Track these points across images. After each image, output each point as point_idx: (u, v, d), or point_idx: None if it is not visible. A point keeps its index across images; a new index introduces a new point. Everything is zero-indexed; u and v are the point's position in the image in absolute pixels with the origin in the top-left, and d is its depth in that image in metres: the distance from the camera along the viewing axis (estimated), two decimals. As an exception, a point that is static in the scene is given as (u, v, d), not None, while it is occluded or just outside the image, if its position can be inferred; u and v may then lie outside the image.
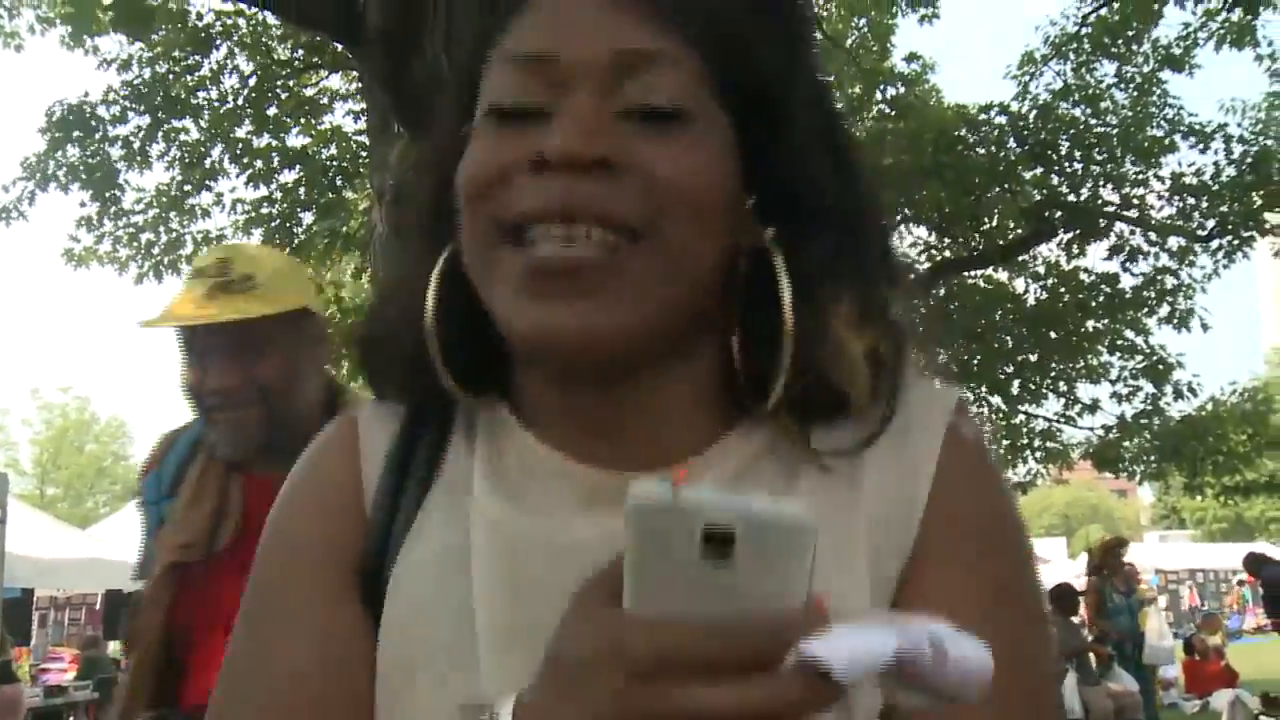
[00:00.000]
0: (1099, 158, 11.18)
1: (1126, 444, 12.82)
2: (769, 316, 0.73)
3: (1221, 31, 11.21)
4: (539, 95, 0.72)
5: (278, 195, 10.46)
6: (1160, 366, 12.54)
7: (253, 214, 10.56)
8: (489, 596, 0.74)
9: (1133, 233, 11.55)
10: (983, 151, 10.29)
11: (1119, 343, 12.47)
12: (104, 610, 16.18)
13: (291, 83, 10.35)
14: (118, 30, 4.43)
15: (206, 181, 10.47)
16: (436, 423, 0.83)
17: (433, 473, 0.81)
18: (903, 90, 12.07)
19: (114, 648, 15.69)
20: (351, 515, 0.81)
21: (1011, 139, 10.67)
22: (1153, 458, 13.11)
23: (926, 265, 11.27)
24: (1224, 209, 11.28)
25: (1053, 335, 11.34)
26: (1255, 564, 12.80)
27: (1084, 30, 11.62)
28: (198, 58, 9.98)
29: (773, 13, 0.78)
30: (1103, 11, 11.37)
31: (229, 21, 9.84)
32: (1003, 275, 12.32)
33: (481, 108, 0.76)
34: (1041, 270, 12.10)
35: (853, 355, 0.74)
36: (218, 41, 9.93)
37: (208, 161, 10.38)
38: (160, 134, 10.26)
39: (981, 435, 0.82)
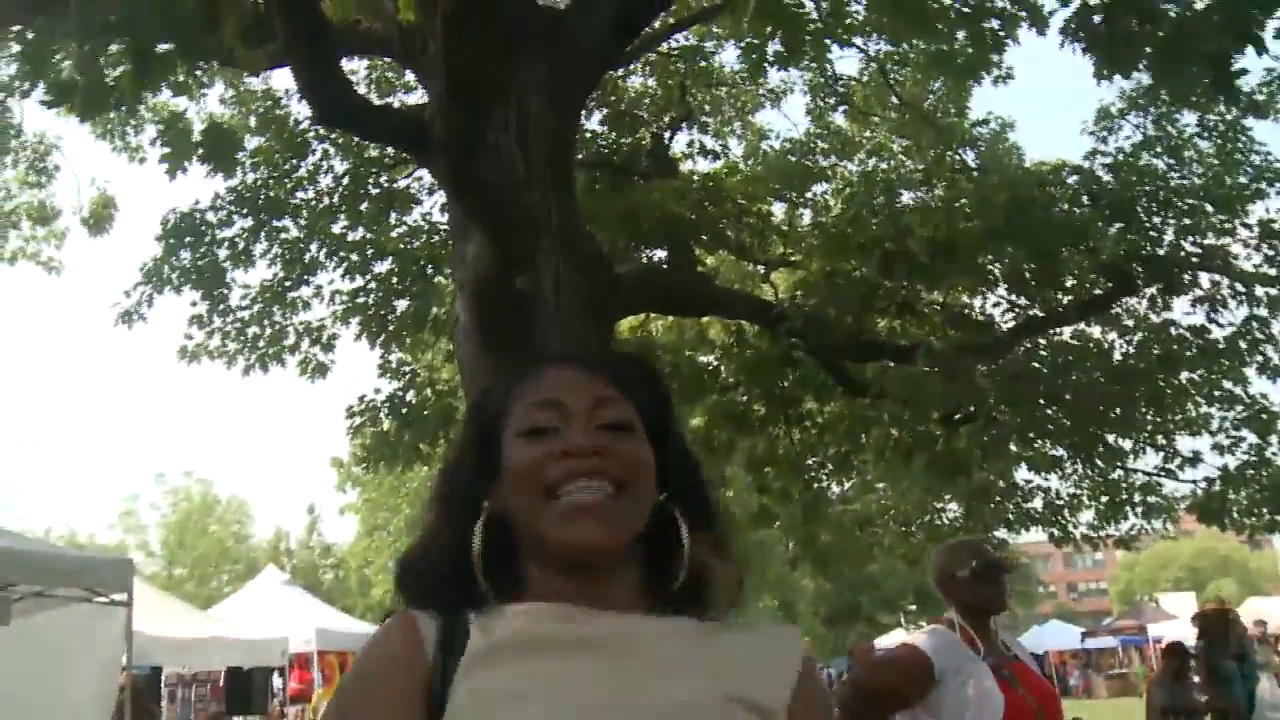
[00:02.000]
0: (1181, 209, 11.07)
1: (1232, 495, 12.45)
2: (668, 542, 1.39)
3: (1304, 75, 11.07)
4: (552, 421, 1.36)
5: (372, 285, 10.98)
6: (1264, 416, 12.21)
7: (350, 304, 11.08)
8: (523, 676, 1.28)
9: (1217, 283, 11.35)
10: (1057, 210, 10.27)
11: (1216, 393, 12.19)
12: (226, 686, 16.72)
13: (383, 178, 10.90)
14: (205, 164, 4.87)
15: (305, 276, 11.06)
16: (459, 617, 1.35)
17: (463, 644, 1.31)
18: (978, 151, 12.14)
19: (236, 722, 16.21)
20: (422, 668, 1.29)
21: (1085, 196, 10.63)
22: (1264, 509, 12.70)
23: (1010, 324, 11.24)
24: (1318, 256, 11.06)
25: (1143, 388, 11.13)
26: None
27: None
28: (295, 160, 10.60)
29: (654, 383, 1.51)
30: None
31: (325, 127, 10.40)
32: (1094, 330, 12.19)
33: (516, 430, 1.38)
34: (1131, 324, 11.94)
35: (714, 568, 1.40)
36: (313, 145, 10.55)
37: (307, 257, 10.97)
38: (263, 234, 10.89)
39: (814, 660, 1.44)
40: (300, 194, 10.85)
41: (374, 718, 1.26)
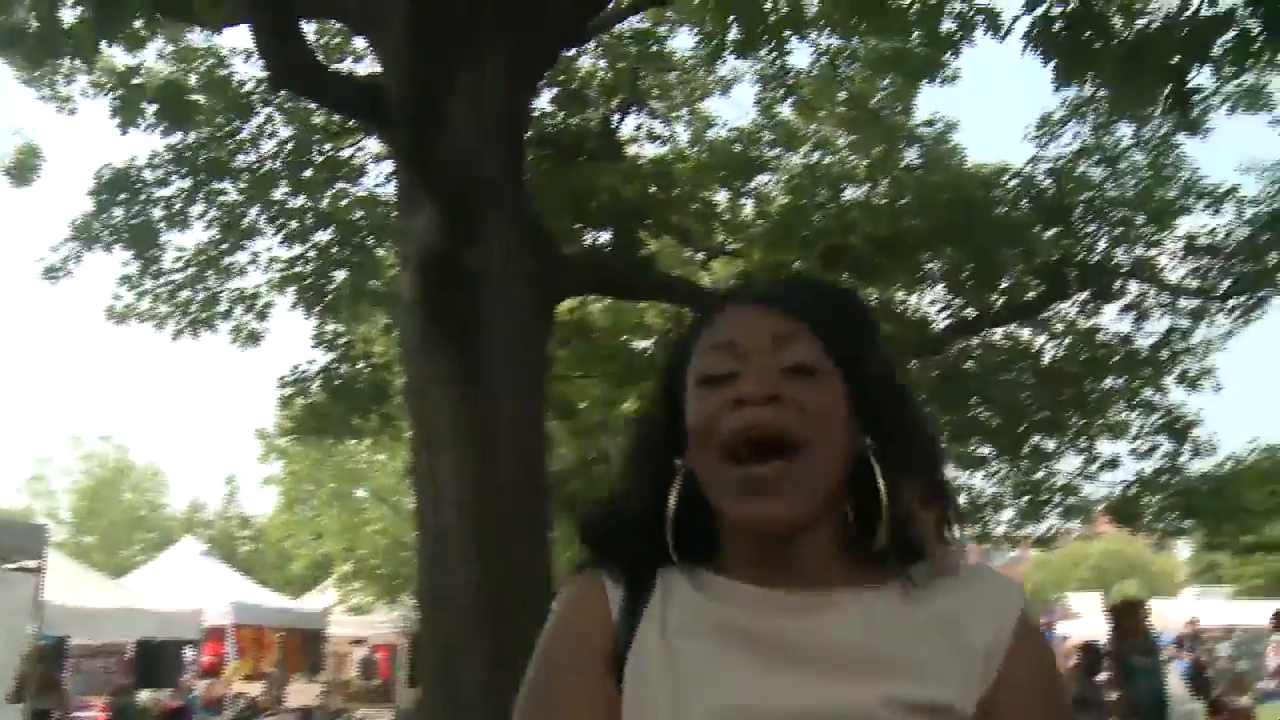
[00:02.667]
0: (1114, 218, 11.34)
1: (1146, 500, 12.82)
2: (869, 498, 1.22)
3: (1235, 96, 11.37)
4: (728, 365, 1.23)
5: (311, 254, 10.80)
6: (1179, 424, 12.57)
7: (287, 272, 10.90)
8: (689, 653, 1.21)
9: (1144, 293, 11.67)
10: (998, 213, 10.46)
11: (1136, 400, 12.54)
12: (136, 658, 16.38)
13: (328, 146, 10.71)
14: (161, 122, 4.73)
15: (243, 241, 10.84)
16: (645, 579, 1.29)
17: (645, 606, 1.26)
18: (923, 151, 12.27)
19: (145, 696, 15.87)
20: (608, 629, 1.25)
21: (1025, 200, 10.84)
22: (1173, 515, 13.10)
23: (945, 323, 11.43)
24: (1239, 269, 11.39)
25: (1069, 392, 11.42)
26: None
27: (1100, 93, 11.81)
28: (238, 122, 10.37)
29: (856, 316, 1.32)
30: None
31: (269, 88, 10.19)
32: (1024, 333, 12.44)
33: (695, 378, 1.26)
34: (1060, 329, 12.21)
35: (924, 519, 1.25)
36: (257, 108, 10.33)
37: (245, 222, 10.75)
38: (201, 195, 10.64)
39: (1039, 623, 1.34)
40: (242, 157, 10.61)
41: (579, 684, 1.25)
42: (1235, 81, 11.46)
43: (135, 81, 4.34)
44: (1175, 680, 10.96)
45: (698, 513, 1.26)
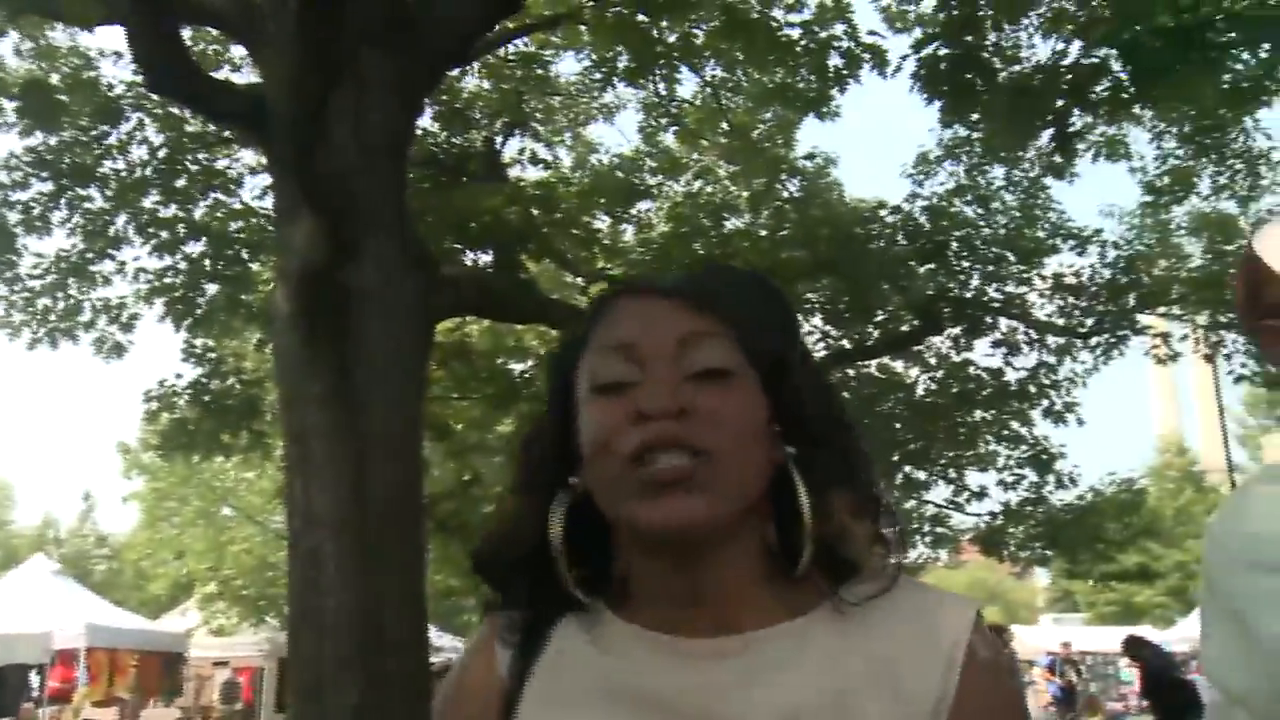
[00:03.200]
0: (987, 256, 11.70)
1: (1011, 530, 13.22)
2: (794, 512, 1.06)
3: (1099, 144, 11.87)
4: (628, 372, 1.06)
5: (182, 266, 10.44)
6: (1044, 457, 13.01)
7: (156, 283, 10.51)
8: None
9: (1014, 329, 12.08)
10: (875, 247, 10.70)
11: (1004, 433, 12.94)
12: (-26, 684, 15.54)
13: (202, 155, 10.38)
14: (25, 120, 4.48)
15: (109, 250, 10.42)
16: (543, 626, 1.15)
17: (541, 649, 1.14)
18: (803, 184, 12.51)
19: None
20: (495, 695, 1.13)
21: (902, 235, 11.12)
22: (1037, 544, 13.52)
23: (822, 353, 11.61)
24: (1101, 308, 11.87)
25: (941, 424, 11.73)
26: (1134, 647, 13.17)
27: (974, 134, 12.20)
28: (106, 127, 9.98)
29: (771, 308, 1.16)
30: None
31: (140, 93, 9.86)
32: (898, 365, 12.74)
33: (587, 386, 1.09)
34: (933, 361, 12.54)
35: (856, 534, 1.09)
36: (127, 113, 9.96)
37: (111, 230, 10.34)
38: (63, 201, 10.20)
39: (996, 642, 1.14)
40: (109, 163, 10.21)
41: None
42: (1098, 131, 12.01)
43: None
44: (1035, 701, 11.31)
45: (599, 540, 1.13)
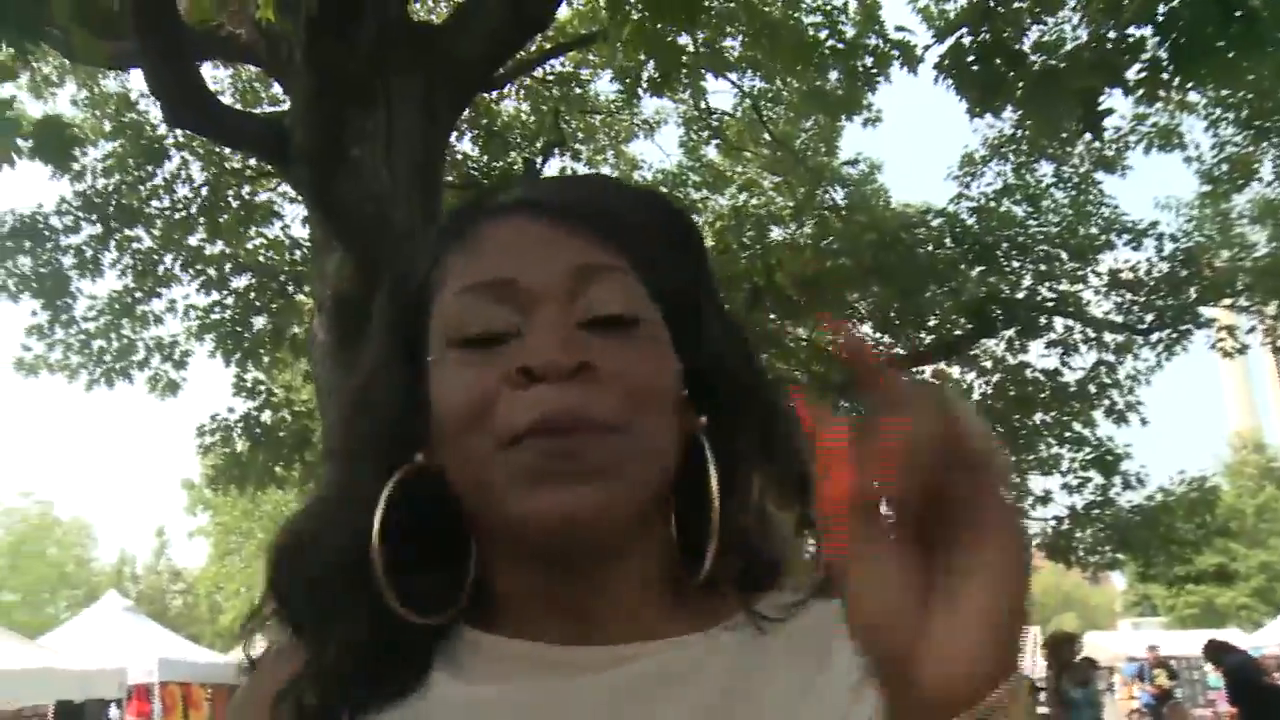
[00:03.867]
0: (1038, 255, 11.47)
1: (1079, 534, 12.89)
2: (701, 499, 0.82)
3: (1150, 135, 11.59)
4: (503, 319, 0.80)
5: (229, 301, 10.55)
6: (1109, 457, 12.68)
7: (204, 319, 10.63)
8: None
9: (1070, 328, 11.80)
10: (922, 251, 10.53)
11: (1066, 435, 12.64)
12: (55, 720, 15.79)
13: (244, 190, 10.50)
14: (38, 159, 4.53)
15: (158, 288, 10.57)
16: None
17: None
18: (847, 191, 12.36)
19: (63, 759, 15.26)
20: None
21: (949, 238, 10.93)
22: (1105, 548, 13.18)
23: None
24: (1160, 303, 11.56)
25: (999, 428, 11.48)
26: (1216, 653, 12.77)
27: (1021, 132, 11.98)
28: (150, 168, 10.13)
29: (679, 235, 0.90)
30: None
31: (182, 133, 10.00)
32: (953, 370, 12.51)
33: (443, 339, 0.82)
34: (988, 365, 12.30)
35: (783, 527, 0.85)
36: (170, 152, 10.10)
37: (160, 269, 10.49)
38: (113, 242, 10.37)
39: None
40: (155, 203, 10.37)
41: None
42: (1150, 121, 11.73)
43: (6, 114, 4.12)
44: (1115, 711, 10.98)
45: (444, 542, 0.84)
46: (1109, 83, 4.29)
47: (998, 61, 4.39)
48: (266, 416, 10.83)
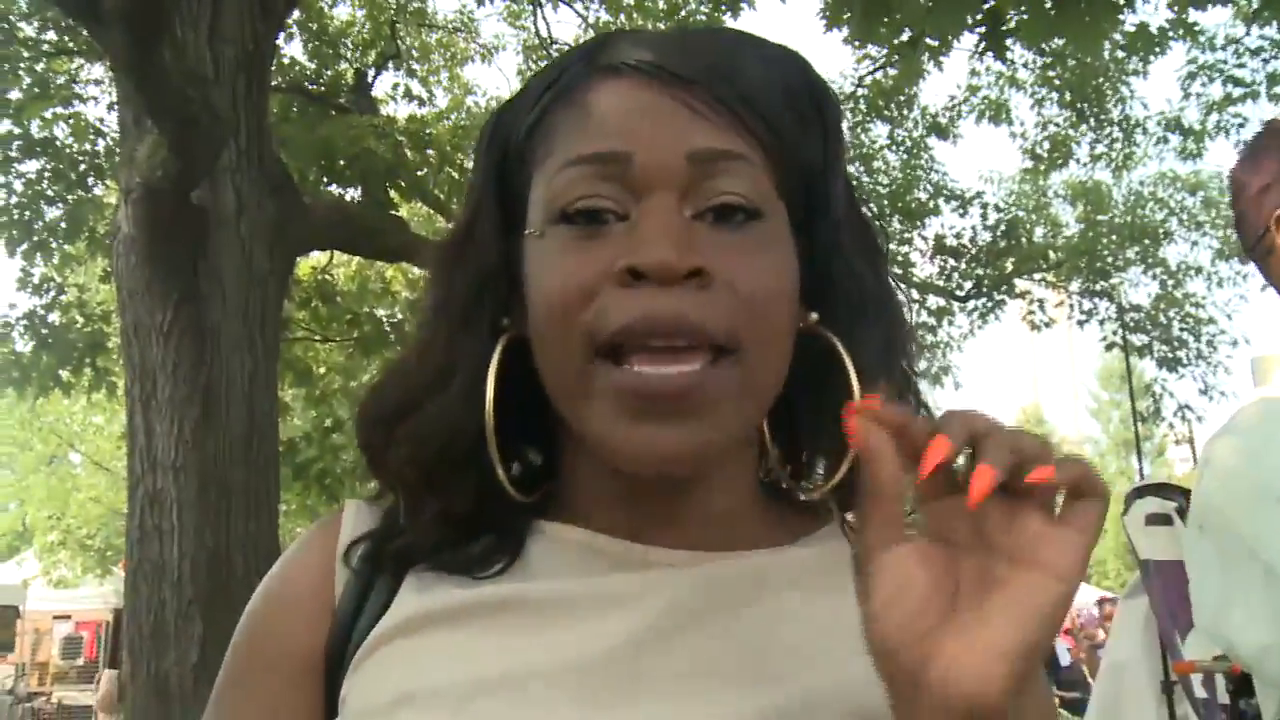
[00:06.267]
0: (869, 214, 11.67)
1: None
2: (818, 405, 0.77)
3: (981, 107, 11.90)
4: (612, 198, 0.72)
5: (18, 187, 9.58)
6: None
7: (-13, 204, 9.64)
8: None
9: (898, 288, 12.11)
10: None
11: (880, 394, 13.02)
12: None
13: (39, 65, 9.52)
14: None
15: (-69, 165, 9.51)
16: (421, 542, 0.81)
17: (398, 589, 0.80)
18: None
19: None
20: (317, 619, 0.81)
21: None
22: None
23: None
24: (980, 272, 11.95)
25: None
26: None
27: (860, 91, 12.11)
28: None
29: (813, 109, 0.79)
30: (878, 75, 11.87)
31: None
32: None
33: (544, 213, 0.75)
34: (812, 319, 12.52)
35: None
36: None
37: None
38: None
39: None
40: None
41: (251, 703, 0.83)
42: (981, 94, 12.07)
43: None
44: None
45: (524, 417, 0.80)
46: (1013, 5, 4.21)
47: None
48: (55, 317, 9.99)
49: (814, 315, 0.77)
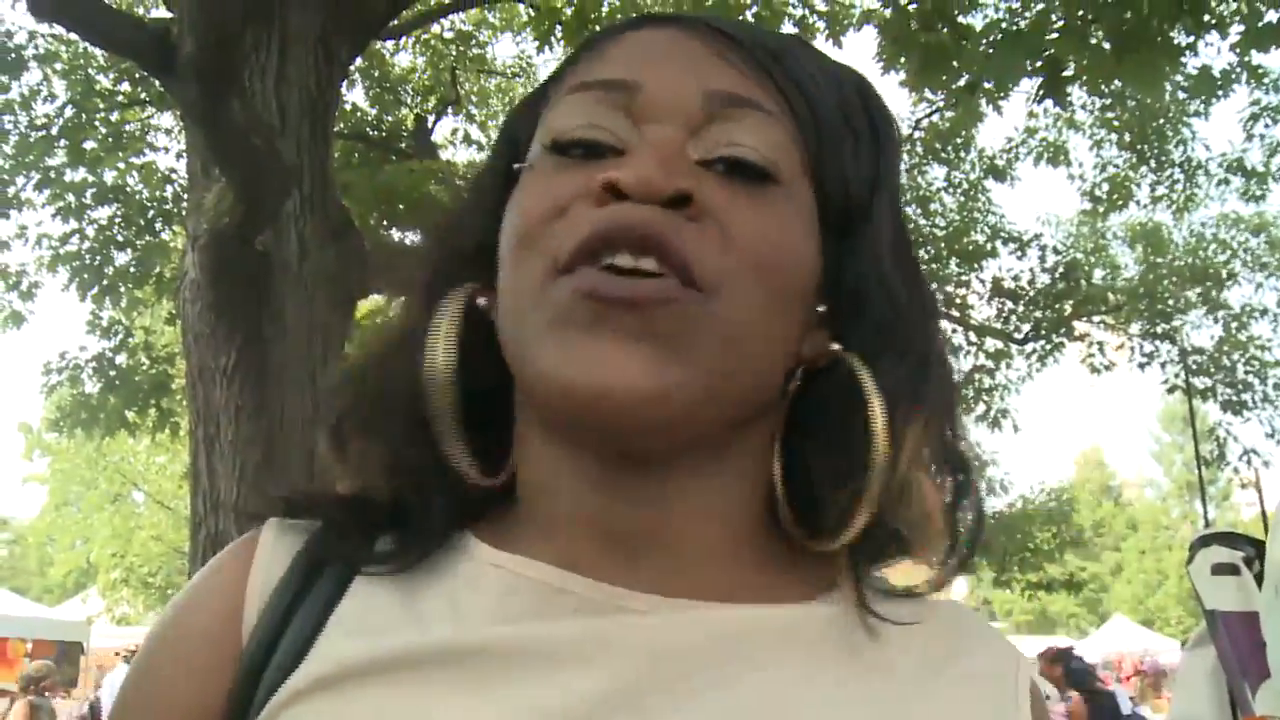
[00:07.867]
0: (926, 256, 11.60)
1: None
2: (832, 440, 0.64)
3: (1039, 149, 11.82)
4: (611, 126, 0.63)
5: (90, 232, 9.83)
6: (978, 464, 12.96)
7: (59, 250, 9.89)
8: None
9: (954, 331, 11.99)
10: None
11: (937, 437, 12.89)
12: None
13: (113, 116, 9.80)
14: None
15: (8, 211, 9.78)
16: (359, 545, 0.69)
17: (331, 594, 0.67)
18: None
19: None
20: (215, 670, 0.67)
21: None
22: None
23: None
24: (1038, 314, 11.83)
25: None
26: (1056, 660, 13.17)
27: (916, 134, 12.09)
28: (6, 79, 9.33)
29: (865, 120, 0.70)
30: (934, 118, 11.85)
31: (48, 46, 9.30)
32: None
33: (540, 144, 0.66)
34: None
35: (921, 495, 0.66)
36: (30, 65, 9.34)
37: (11, 191, 9.69)
38: (-41, 158, 9.56)
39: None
40: (9, 118, 9.56)
41: None
42: (1039, 136, 11.99)
43: None
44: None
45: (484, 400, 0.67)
46: (1073, 52, 4.19)
47: (942, 28, 4.25)
48: (122, 359, 10.19)
49: (836, 345, 0.65)
